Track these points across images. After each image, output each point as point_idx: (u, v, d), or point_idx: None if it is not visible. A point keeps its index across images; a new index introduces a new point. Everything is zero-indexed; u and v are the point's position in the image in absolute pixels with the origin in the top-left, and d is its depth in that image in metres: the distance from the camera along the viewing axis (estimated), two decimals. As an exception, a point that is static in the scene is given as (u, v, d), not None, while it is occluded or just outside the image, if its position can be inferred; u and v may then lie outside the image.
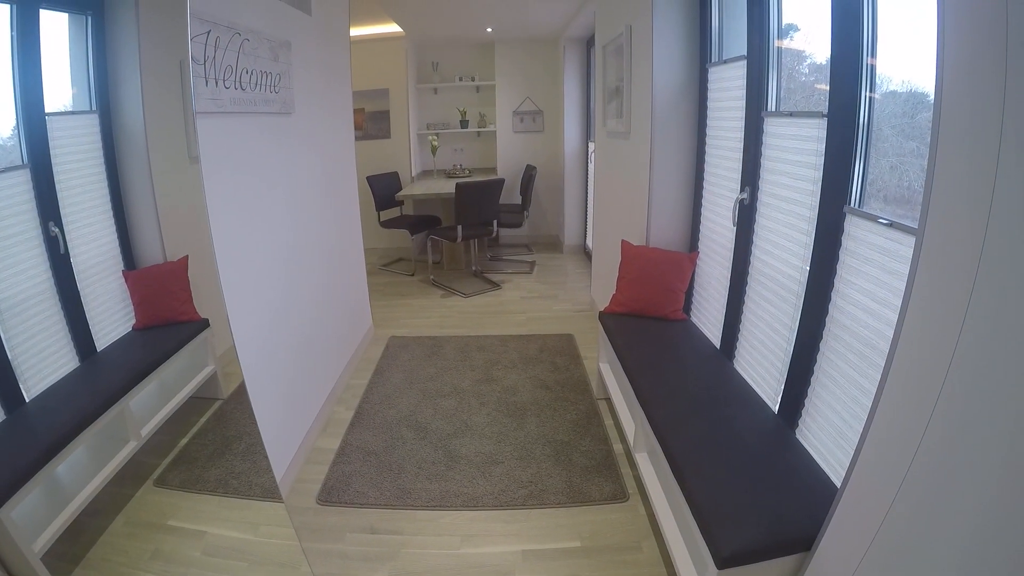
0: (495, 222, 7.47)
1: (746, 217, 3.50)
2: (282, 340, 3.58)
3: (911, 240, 2.03)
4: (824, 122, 2.67)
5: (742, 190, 3.52)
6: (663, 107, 4.19)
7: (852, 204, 2.54)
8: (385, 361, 5.39)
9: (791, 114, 3.16)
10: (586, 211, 9.03)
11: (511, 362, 5.36)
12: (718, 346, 3.81)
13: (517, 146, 9.50)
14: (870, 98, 2.54)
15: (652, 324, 4.12)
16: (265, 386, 3.25)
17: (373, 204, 8.02)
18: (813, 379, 2.74)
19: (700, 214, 4.28)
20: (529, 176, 8.42)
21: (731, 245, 3.67)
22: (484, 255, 8.78)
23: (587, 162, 8.72)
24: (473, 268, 8.18)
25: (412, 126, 9.05)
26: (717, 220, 3.95)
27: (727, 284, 3.74)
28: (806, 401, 2.77)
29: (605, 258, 5.96)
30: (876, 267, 2.33)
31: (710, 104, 4.04)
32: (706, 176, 4.17)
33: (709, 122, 4.08)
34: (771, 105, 3.29)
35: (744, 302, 3.53)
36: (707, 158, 4.15)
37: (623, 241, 4.47)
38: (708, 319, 4.09)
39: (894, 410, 1.66)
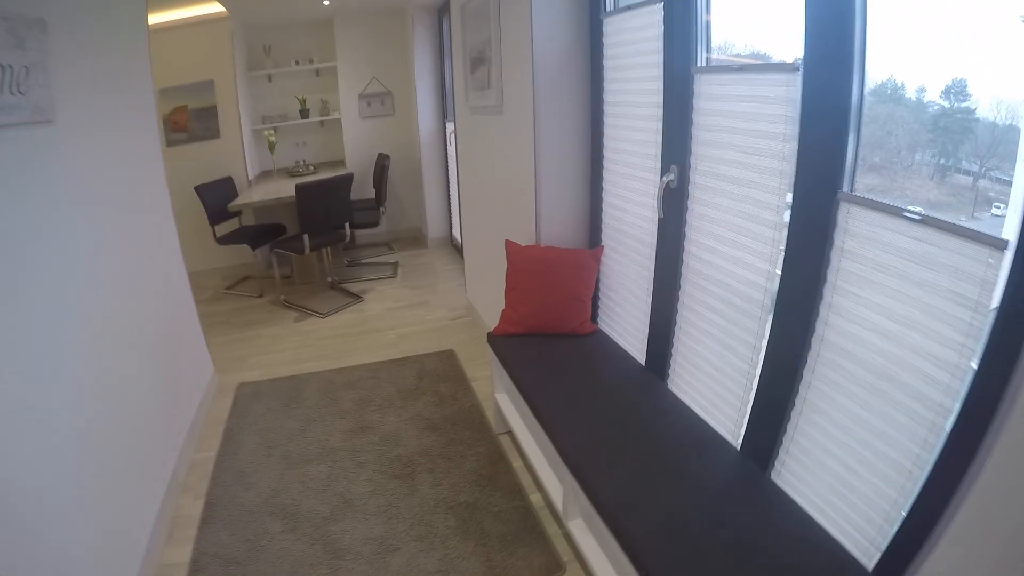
0: (347, 225, 6.73)
1: (675, 204, 2.95)
2: (83, 428, 2.68)
3: (965, 247, 1.61)
4: (797, 77, 2.13)
5: (666, 170, 2.96)
6: (546, 73, 3.60)
7: (847, 188, 2.03)
8: (235, 420, 4.46)
9: (741, 68, 2.47)
10: (449, 199, 8.59)
11: (387, 399, 4.63)
12: (643, 362, 3.36)
13: (366, 133, 8.77)
14: (864, 40, 1.92)
15: (557, 344, 3.60)
16: (66, 498, 2.41)
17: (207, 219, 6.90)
18: (795, 412, 2.31)
19: (602, 199, 3.77)
20: (382, 166, 7.78)
21: (651, 239, 3.19)
22: (340, 262, 8.04)
23: (446, 145, 8.21)
24: (329, 280, 7.31)
25: (245, 121, 8.10)
26: (628, 207, 3.45)
27: (649, 287, 3.27)
28: (785, 439, 2.34)
29: (480, 254, 5.47)
30: (897, 276, 1.86)
31: (608, 64, 3.49)
32: (607, 153, 3.65)
33: (608, 86, 3.53)
34: (702, 59, 2.78)
35: (678, 310, 3.05)
36: (607, 131, 3.62)
37: (507, 243, 3.86)
38: (625, 328, 3.62)
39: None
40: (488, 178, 4.83)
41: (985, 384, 1.48)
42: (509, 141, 4.11)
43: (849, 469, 2.01)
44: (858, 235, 1.95)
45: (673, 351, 3.06)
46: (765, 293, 2.36)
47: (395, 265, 8.08)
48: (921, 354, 1.72)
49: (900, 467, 1.82)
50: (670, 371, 3.10)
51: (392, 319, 6.27)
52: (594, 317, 3.83)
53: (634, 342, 3.43)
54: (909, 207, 1.82)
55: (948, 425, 1.62)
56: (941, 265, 1.65)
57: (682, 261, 2.91)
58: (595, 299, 3.80)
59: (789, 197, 2.20)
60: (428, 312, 6.39)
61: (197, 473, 3.89)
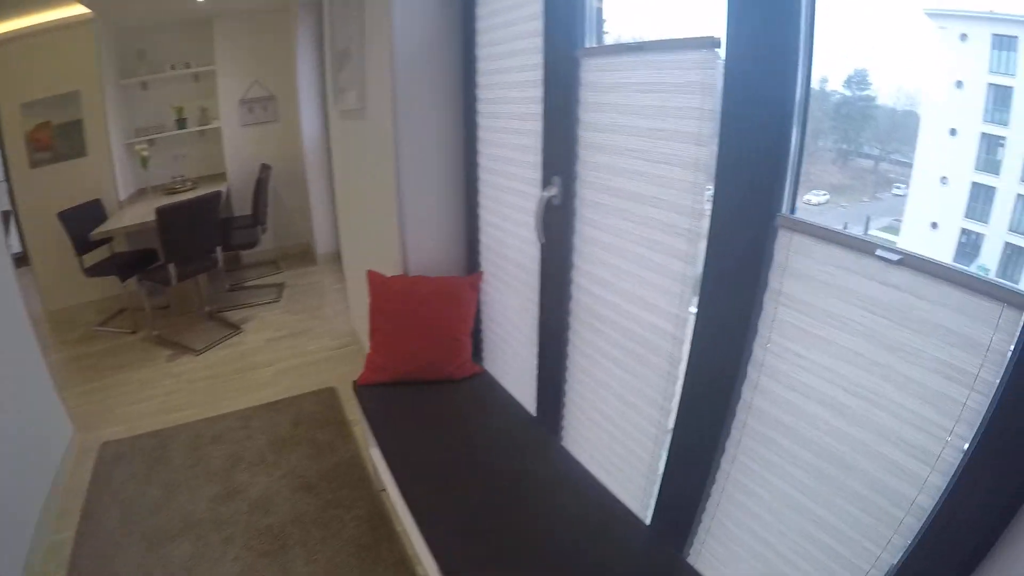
0: (219, 249, 5.92)
1: (560, 225, 2.43)
2: None
3: (966, 301, 1.23)
4: (716, 57, 1.64)
5: (548, 183, 2.46)
6: (410, 66, 3.04)
7: (788, 210, 1.57)
8: (96, 490, 3.77)
9: (641, 47, 1.91)
10: (336, 212, 7.18)
11: (258, 454, 4.01)
12: (534, 412, 2.87)
13: (249, 142, 7.92)
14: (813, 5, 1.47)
15: (432, 393, 3.09)
16: None
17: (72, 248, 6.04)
18: (716, 488, 1.90)
19: (479, 216, 3.24)
20: (262, 179, 7.03)
21: (535, 266, 2.70)
22: (221, 287, 7.21)
23: (330, 152, 6.77)
24: (207, 309, 6.44)
25: (115, 136, 7.08)
26: (507, 227, 2.94)
27: (536, 323, 2.76)
28: (706, 517, 1.95)
29: (361, 276, 4.71)
30: (860, 335, 1.43)
31: (481, 53, 2.94)
32: (483, 162, 3.10)
33: (482, 79, 2.98)
34: (590, 38, 2.22)
35: (568, 353, 2.57)
36: (482, 134, 3.06)
37: (370, 274, 3.30)
38: (512, 369, 3.11)
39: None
40: (357, 194, 4.35)
41: (976, 481, 1.19)
42: (372, 150, 3.60)
43: (789, 562, 1.67)
44: (804, 276, 1.54)
45: (566, 400, 2.62)
46: (674, 342, 1.95)
47: (280, 287, 7.32)
48: (890, 439, 1.38)
49: (856, 570, 1.49)
50: (564, 424, 2.65)
51: (271, 352, 5.62)
52: (478, 354, 3.39)
53: (523, 387, 2.96)
54: (884, 245, 1.39)
55: (922, 526, 1.33)
56: (926, 324, 1.29)
57: (570, 296, 2.46)
58: (478, 332, 3.36)
59: (707, 222, 1.75)
60: (310, 341, 5.73)
61: (55, 559, 3.26)
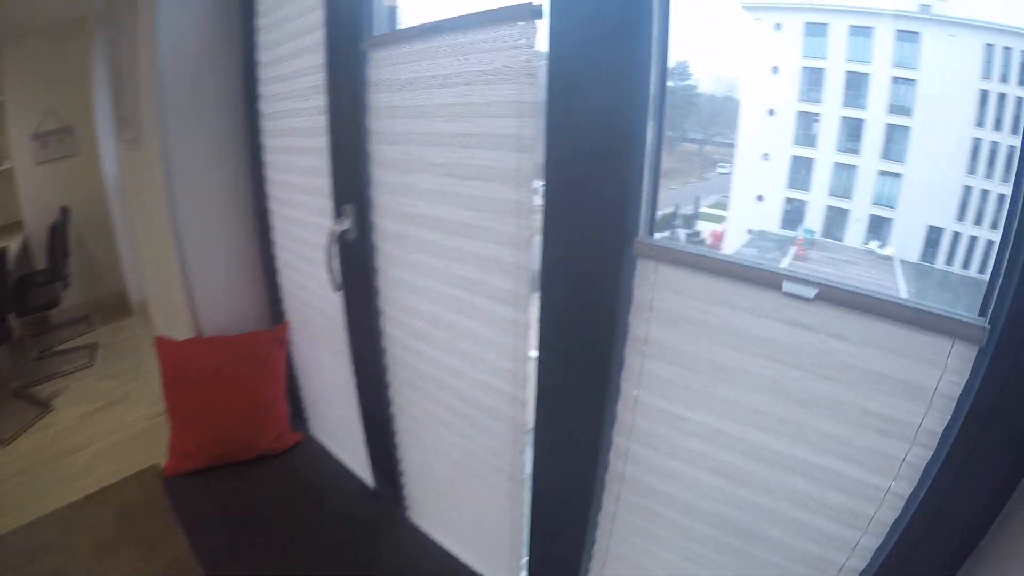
0: (11, 316, 4.83)
1: (358, 265, 1.95)
2: None
3: (910, 339, 0.99)
4: (534, 31, 1.22)
5: (338, 212, 1.94)
6: (180, 83, 2.45)
7: (647, 232, 1.22)
8: None
9: (436, 28, 1.45)
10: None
11: (82, 565, 3.13)
12: (371, 482, 2.43)
13: (46, 182, 6.51)
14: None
15: (250, 476, 2.56)
16: None
17: None
18: (595, 563, 1.59)
19: (275, 257, 2.71)
20: (57, 225, 5.84)
21: (340, 315, 2.22)
22: (26, 357, 6.17)
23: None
24: (13, 386, 5.42)
25: None
26: (304, 268, 2.43)
27: (352, 380, 2.27)
28: None
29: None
30: (765, 391, 1.13)
31: (264, 58, 2.39)
32: (273, 191, 2.55)
33: (265, 91, 2.43)
34: (380, 25, 1.72)
35: (394, 416, 2.13)
36: (269, 157, 2.50)
37: (158, 342, 2.66)
38: (339, 430, 2.62)
39: None
40: (145, 240, 3.70)
41: (918, 541, 1.01)
42: (148, 186, 2.97)
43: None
44: (678, 319, 1.19)
45: (404, 468, 2.23)
46: (515, 404, 1.56)
47: (94, 348, 6.39)
48: (808, 505, 1.13)
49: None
50: (407, 495, 2.26)
51: (87, 430, 4.79)
52: (299, 417, 2.93)
53: (355, 453, 2.51)
54: (794, 275, 1.04)
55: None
56: (850, 370, 1.02)
57: (383, 349, 2.04)
58: (296, 392, 2.89)
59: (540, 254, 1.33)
60: (129, 411, 4.94)
61: None
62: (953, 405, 0.94)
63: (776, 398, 1.10)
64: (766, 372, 1.10)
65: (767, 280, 1.05)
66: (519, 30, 1.23)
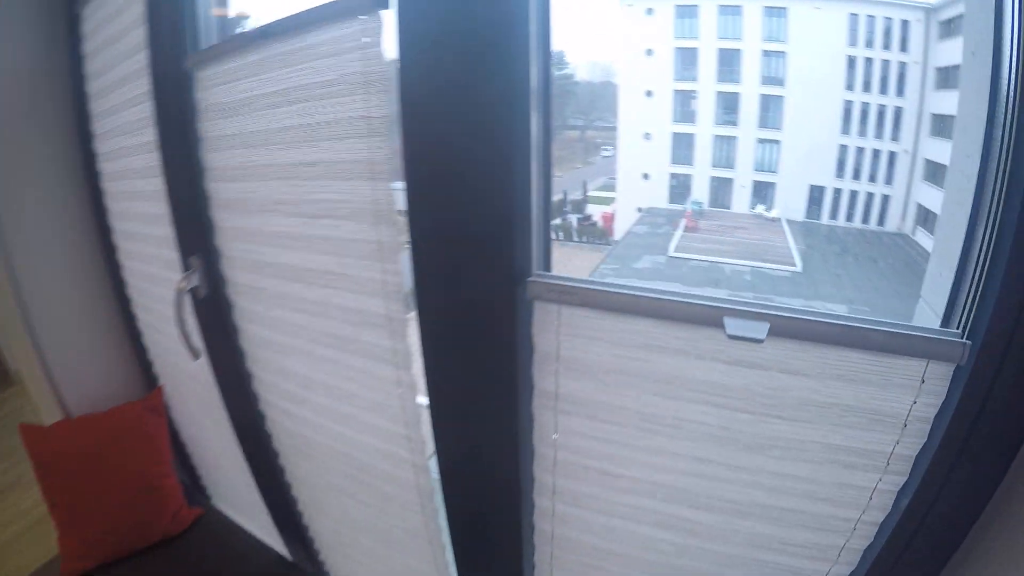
0: None
1: (216, 324, 1.62)
2: None
3: (876, 365, 0.83)
4: (382, 27, 0.94)
5: (186, 265, 1.61)
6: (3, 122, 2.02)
7: (541, 268, 0.99)
8: None
9: (265, 32, 1.16)
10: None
11: None
12: (287, 553, 2.12)
13: None
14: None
15: (152, 567, 2.19)
16: None
17: None
18: None
19: (135, 316, 2.35)
20: None
21: (211, 378, 1.87)
22: None
23: None
24: None
25: None
26: (163, 327, 2.12)
27: (238, 448, 1.95)
28: None
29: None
30: (711, 440, 0.95)
31: (94, 88, 2.01)
32: (120, 242, 2.21)
33: (98, 127, 2.06)
34: (208, 36, 1.39)
35: (290, 484, 1.84)
36: (111, 203, 2.15)
37: (23, 430, 2.31)
38: (243, 499, 2.26)
39: None
40: None
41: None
42: None
43: None
44: (594, 368, 0.95)
45: (315, 536, 1.96)
46: (417, 471, 1.31)
47: (-23, 435, 5.51)
48: (771, 547, 0.99)
49: None
50: (324, 560, 2.00)
51: None
52: (197, 486, 2.61)
53: (264, 522, 2.20)
54: (737, 307, 0.84)
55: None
56: (808, 407, 0.86)
57: (263, 415, 1.74)
58: (188, 460, 2.57)
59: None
60: (23, 495, 4.30)
61: None
62: (928, 428, 0.83)
63: (723, 445, 0.91)
64: (709, 419, 0.90)
65: (703, 317, 0.85)
66: (361, 26, 0.96)
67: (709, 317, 0.83)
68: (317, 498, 1.79)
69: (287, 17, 1.08)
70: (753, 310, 0.81)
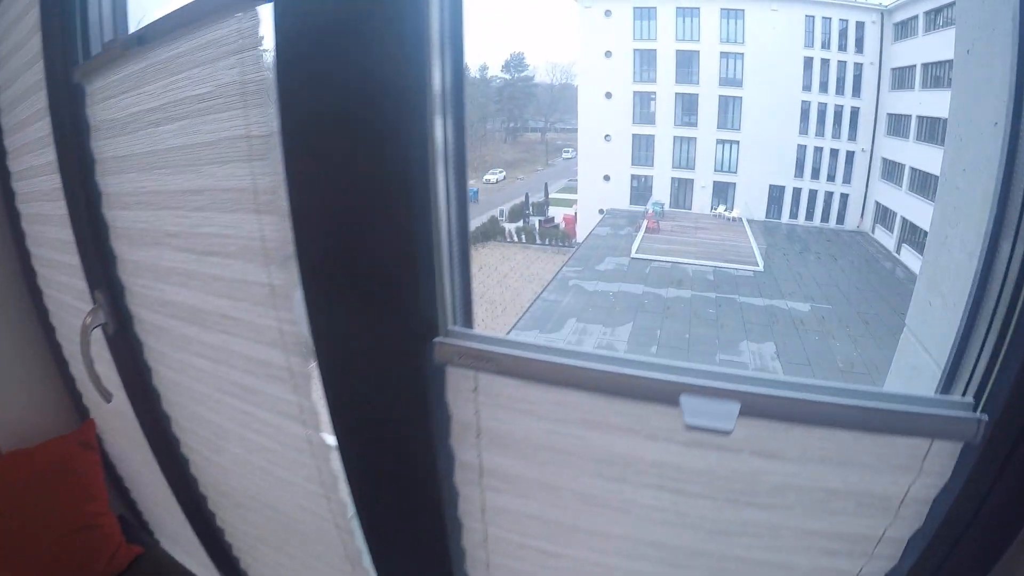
0: None
1: (126, 363, 1.46)
2: None
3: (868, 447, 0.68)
4: (258, 23, 0.76)
5: (93, 299, 1.41)
6: None
7: (456, 322, 0.79)
8: None
9: (143, 36, 0.94)
10: None
11: None
12: None
13: None
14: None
15: None
16: None
17: None
18: None
19: (60, 345, 2.14)
20: None
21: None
22: None
23: None
24: None
25: None
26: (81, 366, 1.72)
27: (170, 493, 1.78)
28: None
29: None
30: (666, 526, 0.77)
31: (3, 104, 1.79)
32: (38, 267, 2.01)
33: (8, 143, 1.85)
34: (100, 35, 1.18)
35: (223, 529, 1.67)
36: (27, 227, 1.96)
37: None
38: (184, 532, 1.96)
39: None
40: None
41: None
42: None
43: None
44: (523, 443, 0.78)
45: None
46: (341, 532, 1.13)
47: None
48: None
49: None
50: None
51: None
52: (138, 520, 2.40)
53: (204, 561, 1.99)
54: (703, 376, 0.66)
55: None
56: (784, 493, 0.70)
57: (187, 460, 1.57)
58: (128, 494, 2.37)
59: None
60: None
61: None
62: (926, 511, 0.68)
63: (681, 530, 0.74)
64: (663, 503, 0.73)
65: (652, 394, 0.67)
66: (238, 25, 0.78)
67: (661, 394, 0.65)
68: (251, 545, 1.62)
69: (161, 18, 0.89)
70: (718, 384, 0.63)
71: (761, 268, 20.01)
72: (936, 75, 20.74)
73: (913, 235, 21.14)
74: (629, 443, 0.72)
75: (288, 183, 0.73)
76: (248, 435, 1.13)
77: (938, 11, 20.54)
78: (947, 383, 0.67)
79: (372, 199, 0.70)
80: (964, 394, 0.64)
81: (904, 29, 23.84)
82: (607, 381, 0.68)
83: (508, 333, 13.55)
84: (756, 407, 0.64)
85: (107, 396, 1.45)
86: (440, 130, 0.70)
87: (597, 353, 0.65)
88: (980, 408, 0.61)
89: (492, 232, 27.90)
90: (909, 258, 21.02)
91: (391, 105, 0.66)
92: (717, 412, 0.62)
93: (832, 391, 0.63)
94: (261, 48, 0.76)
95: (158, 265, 1.12)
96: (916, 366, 1.15)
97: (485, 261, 24.96)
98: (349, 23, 0.66)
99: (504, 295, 21.13)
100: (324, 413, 0.89)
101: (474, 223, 30.47)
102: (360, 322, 0.76)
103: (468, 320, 0.79)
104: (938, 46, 20.27)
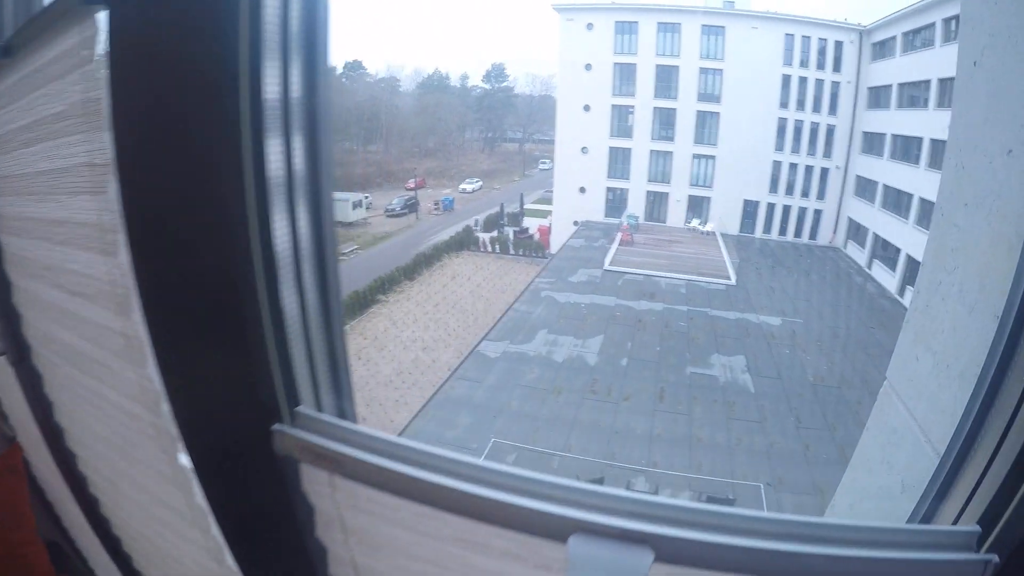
0: None
1: (31, 394, 1.33)
2: None
3: None
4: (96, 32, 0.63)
5: None
6: None
7: (309, 407, 0.64)
8: None
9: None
10: None
11: None
12: None
13: None
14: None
15: None
16: None
17: None
18: None
19: None
20: None
21: None
22: None
23: None
24: None
25: None
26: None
27: None
28: None
29: None
30: None
31: None
32: None
33: None
34: None
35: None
36: None
37: None
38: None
39: None
40: None
41: None
42: None
43: None
44: (389, 548, 0.64)
45: None
46: None
47: None
48: None
49: None
50: None
51: None
52: (73, 547, 2.14)
53: None
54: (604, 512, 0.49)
55: None
56: None
57: (96, 499, 1.50)
58: (59, 520, 2.08)
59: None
60: None
61: None
62: None
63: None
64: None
65: (537, 527, 0.51)
66: (79, 36, 0.64)
67: (546, 530, 0.50)
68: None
69: (24, 24, 0.75)
70: (625, 524, 0.47)
71: (733, 282, 20.07)
72: (912, 95, 21.04)
73: (884, 251, 21.39)
74: (515, 570, 0.56)
75: (125, 222, 0.59)
76: (133, 495, 1.00)
77: (916, 32, 20.84)
78: (943, 489, 0.54)
79: (199, 242, 0.57)
80: (963, 513, 0.51)
81: (882, 49, 24.15)
82: (479, 507, 0.54)
83: (480, 344, 13.40)
84: (679, 554, 0.47)
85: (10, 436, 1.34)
86: (279, 156, 0.56)
87: (471, 464, 0.50)
88: (986, 545, 0.48)
89: (466, 242, 27.84)
90: (880, 273, 21.26)
91: (216, 127, 0.51)
92: (617, 558, 0.46)
93: (793, 531, 0.48)
94: (99, 61, 0.62)
95: (39, 299, 0.99)
96: (897, 429, 1.00)
97: (458, 270, 24.96)
98: (173, 27, 0.51)
99: (476, 305, 21.10)
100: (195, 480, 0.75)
101: (448, 232, 29.95)
102: (205, 392, 0.63)
103: (339, 396, 0.65)
104: (915, 66, 20.51)
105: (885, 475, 1.01)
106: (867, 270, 21.14)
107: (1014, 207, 0.73)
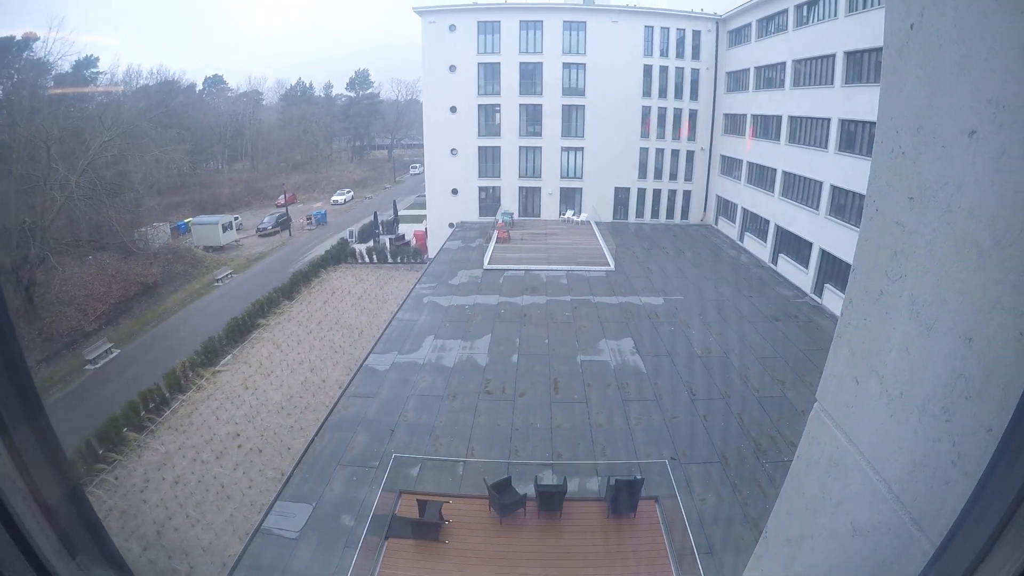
0: None
1: None
2: None
3: None
4: None
5: None
6: None
7: None
8: None
9: None
10: None
11: None
12: None
13: None
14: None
15: None
16: None
17: None
18: None
19: None
20: None
21: None
22: None
23: None
24: None
25: None
26: None
27: None
28: None
29: None
30: None
31: None
32: None
33: None
34: None
35: None
36: None
37: None
38: None
39: None
40: None
41: None
42: None
43: None
44: None
45: None
46: None
47: None
48: None
49: None
50: None
51: None
52: None
53: None
54: None
55: None
56: None
57: None
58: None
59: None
60: None
61: None
62: None
63: None
64: None
65: None
66: None
67: None
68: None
69: None
70: None
71: (613, 268, 20.26)
72: (768, 76, 21.88)
73: (754, 223, 22.15)
74: None
75: None
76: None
77: (770, 18, 21.70)
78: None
79: None
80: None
81: (738, 36, 25.05)
82: None
83: (368, 358, 12.83)
84: None
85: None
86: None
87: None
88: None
89: (343, 254, 27.11)
90: (752, 244, 22.01)
91: None
92: None
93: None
94: None
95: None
96: (838, 462, 0.82)
97: (338, 285, 24.38)
98: None
99: (360, 318, 20.75)
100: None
101: (323, 246, 29.25)
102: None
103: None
104: (771, 50, 21.34)
105: (830, 514, 0.86)
106: (739, 243, 21.84)
107: (982, 201, 0.57)
